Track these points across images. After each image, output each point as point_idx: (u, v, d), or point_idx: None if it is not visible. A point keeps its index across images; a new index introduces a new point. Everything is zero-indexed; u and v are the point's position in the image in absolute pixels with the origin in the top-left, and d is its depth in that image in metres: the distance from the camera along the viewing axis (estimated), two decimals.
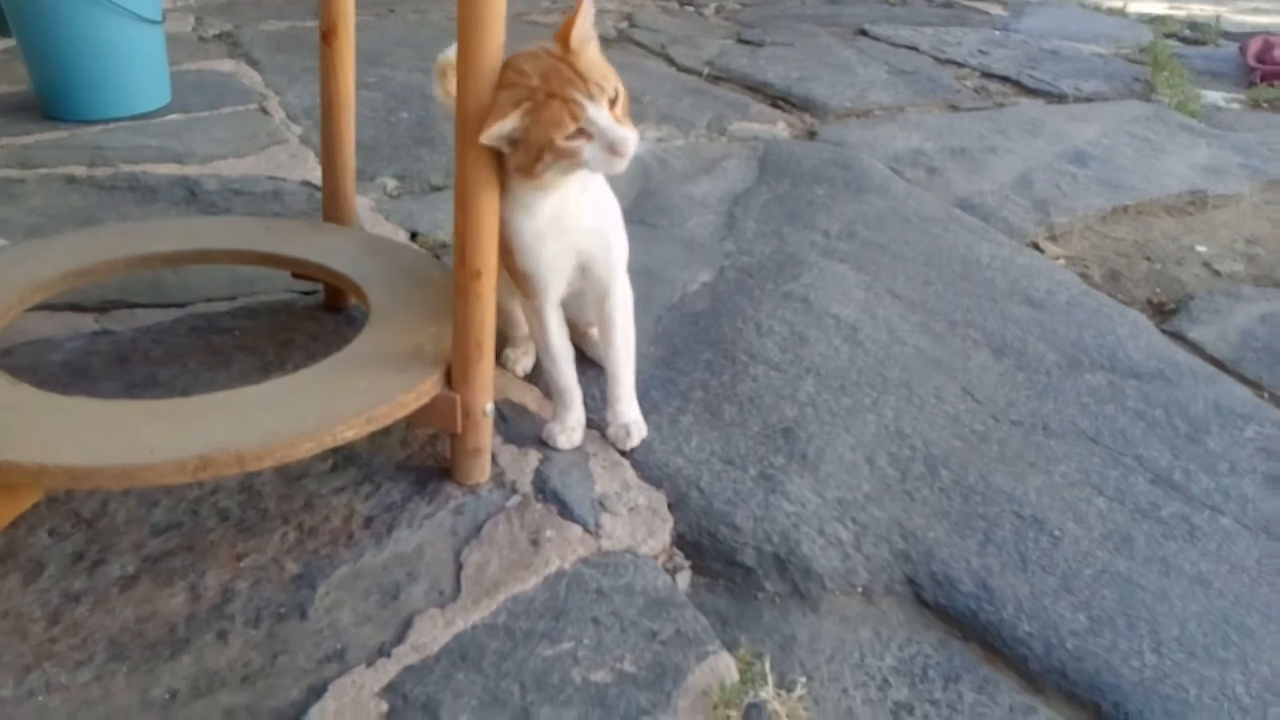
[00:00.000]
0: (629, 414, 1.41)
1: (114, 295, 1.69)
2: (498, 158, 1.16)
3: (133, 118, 2.54)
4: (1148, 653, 1.09)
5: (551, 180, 1.18)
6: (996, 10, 4.23)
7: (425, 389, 1.21)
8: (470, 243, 1.17)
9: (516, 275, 1.30)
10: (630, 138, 1.13)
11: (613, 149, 1.13)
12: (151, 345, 1.58)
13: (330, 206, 1.65)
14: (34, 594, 1.11)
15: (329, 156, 1.62)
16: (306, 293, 1.74)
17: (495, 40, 1.09)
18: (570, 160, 1.14)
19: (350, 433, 1.13)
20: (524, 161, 1.15)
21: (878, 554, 1.22)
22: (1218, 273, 2.02)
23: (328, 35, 1.54)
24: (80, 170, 2.23)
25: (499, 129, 1.11)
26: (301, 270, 1.57)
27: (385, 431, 1.29)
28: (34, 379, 1.22)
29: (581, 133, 1.13)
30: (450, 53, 1.42)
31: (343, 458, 1.33)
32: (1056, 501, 1.31)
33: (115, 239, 1.55)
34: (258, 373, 1.51)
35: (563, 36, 1.15)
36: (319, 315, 1.69)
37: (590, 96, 1.12)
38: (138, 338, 1.60)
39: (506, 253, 1.24)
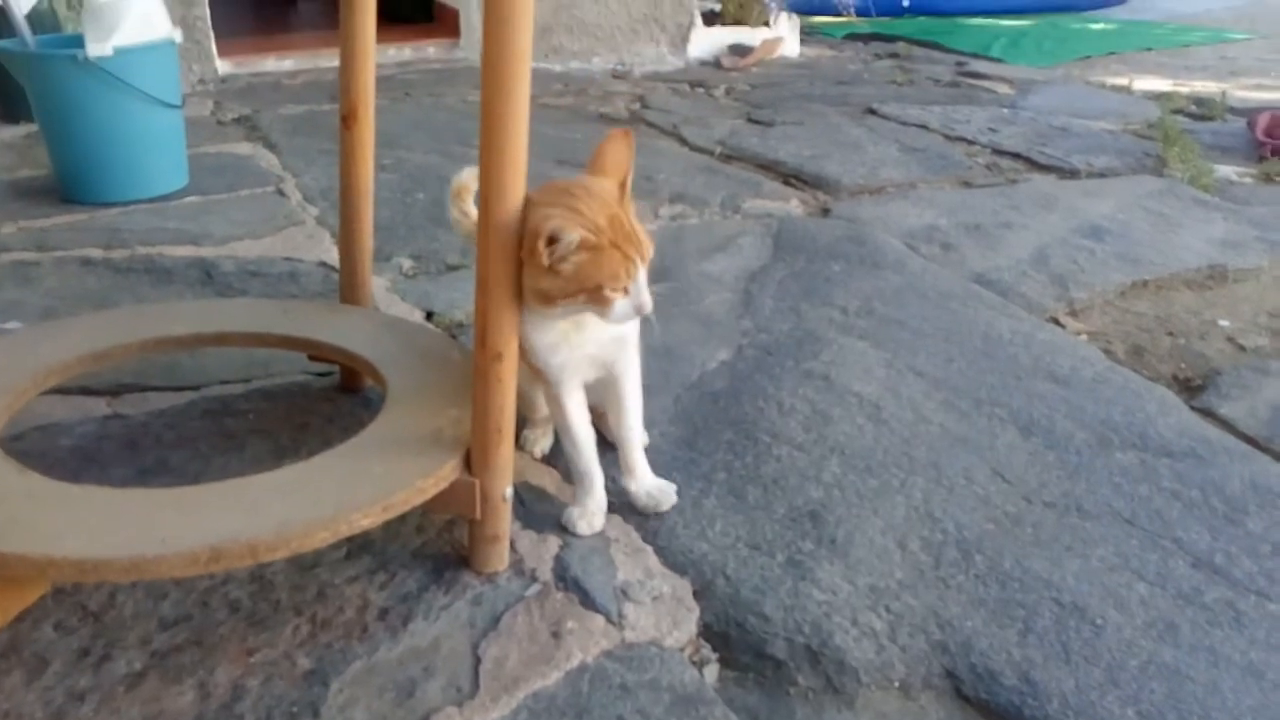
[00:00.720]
0: (652, 477, 1.40)
1: (127, 378, 1.68)
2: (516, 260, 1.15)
3: (151, 200, 2.56)
4: None
5: (564, 312, 1.19)
6: (1004, 89, 4.28)
7: (444, 474, 1.18)
8: (491, 325, 1.15)
9: (533, 369, 1.28)
10: (651, 301, 1.18)
11: (639, 309, 1.17)
12: (164, 429, 1.56)
13: (347, 288, 1.64)
14: (37, 692, 1.07)
15: (346, 238, 1.62)
16: (322, 374, 1.72)
17: (522, 125, 1.09)
18: (598, 307, 1.16)
19: (367, 521, 1.10)
20: (552, 291, 1.15)
21: (914, 645, 1.17)
22: (1243, 347, 1.99)
23: (348, 119, 1.54)
24: (97, 252, 2.24)
25: (568, 240, 1.10)
26: (318, 352, 1.55)
27: (401, 517, 1.25)
28: (43, 465, 1.20)
29: (625, 289, 1.15)
30: (465, 175, 1.44)
31: (357, 545, 1.29)
32: (1096, 587, 1.26)
33: (130, 322, 1.54)
34: (272, 457, 1.48)
35: (622, 185, 1.19)
36: (335, 397, 1.66)
37: (642, 258, 1.16)
38: (150, 421, 1.58)
39: (522, 350, 1.23)
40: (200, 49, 3.79)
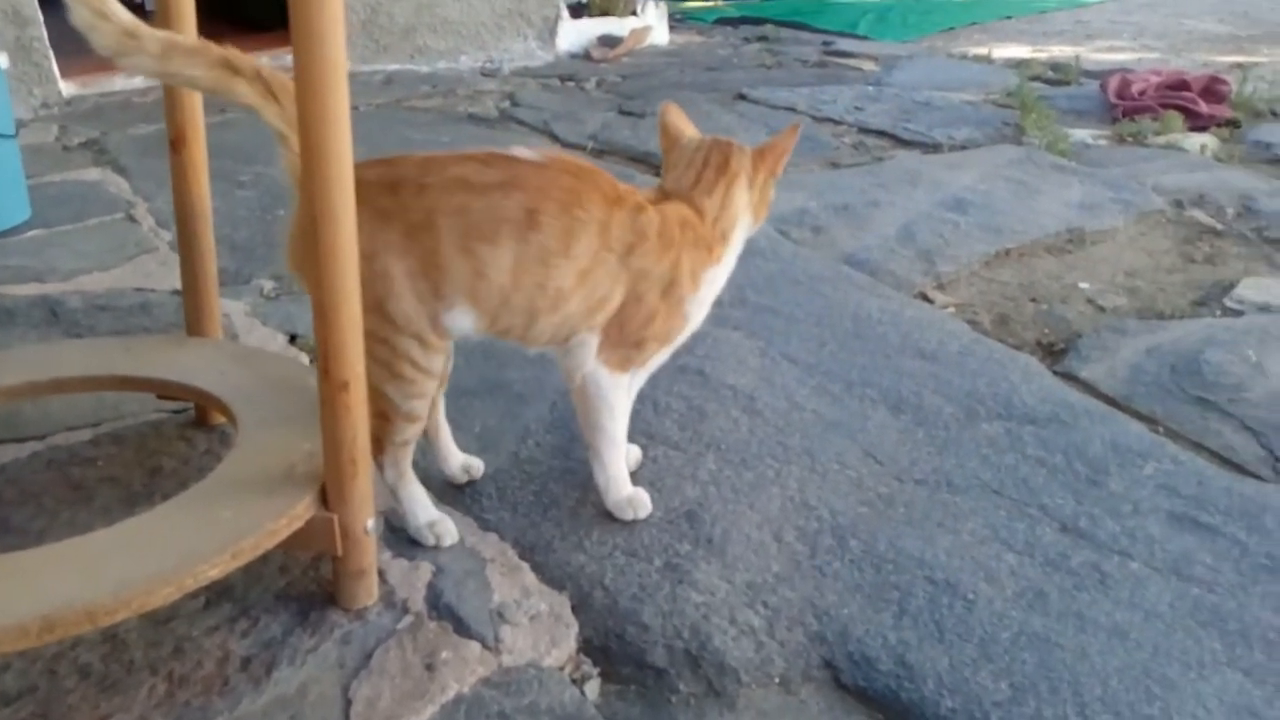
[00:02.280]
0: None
1: None
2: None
3: None
4: (1073, 717, 1.06)
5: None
6: (869, 66, 4.35)
7: (298, 512, 1.13)
8: (334, 352, 1.10)
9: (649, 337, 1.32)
10: None
11: None
12: (4, 485, 1.46)
13: (193, 319, 1.57)
14: None
15: (189, 267, 1.54)
16: (176, 412, 1.64)
17: (345, 145, 1.04)
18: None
19: (214, 571, 1.04)
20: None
21: (792, 639, 1.16)
22: (1102, 309, 2.06)
23: (176, 143, 1.47)
24: None
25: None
26: (164, 391, 1.47)
27: (263, 558, 1.19)
28: None
29: None
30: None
31: (216, 593, 1.23)
32: (967, 562, 1.28)
33: None
34: (123, 506, 1.40)
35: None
36: (190, 435, 1.59)
37: None
38: None
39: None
40: (40, 71, 3.59)
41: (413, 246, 1.16)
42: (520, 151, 1.22)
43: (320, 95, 1.01)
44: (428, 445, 1.41)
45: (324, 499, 1.16)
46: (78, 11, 1.04)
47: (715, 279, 1.35)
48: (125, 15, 1.06)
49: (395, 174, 1.18)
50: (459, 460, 1.45)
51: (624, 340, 1.28)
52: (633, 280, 1.25)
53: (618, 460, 1.36)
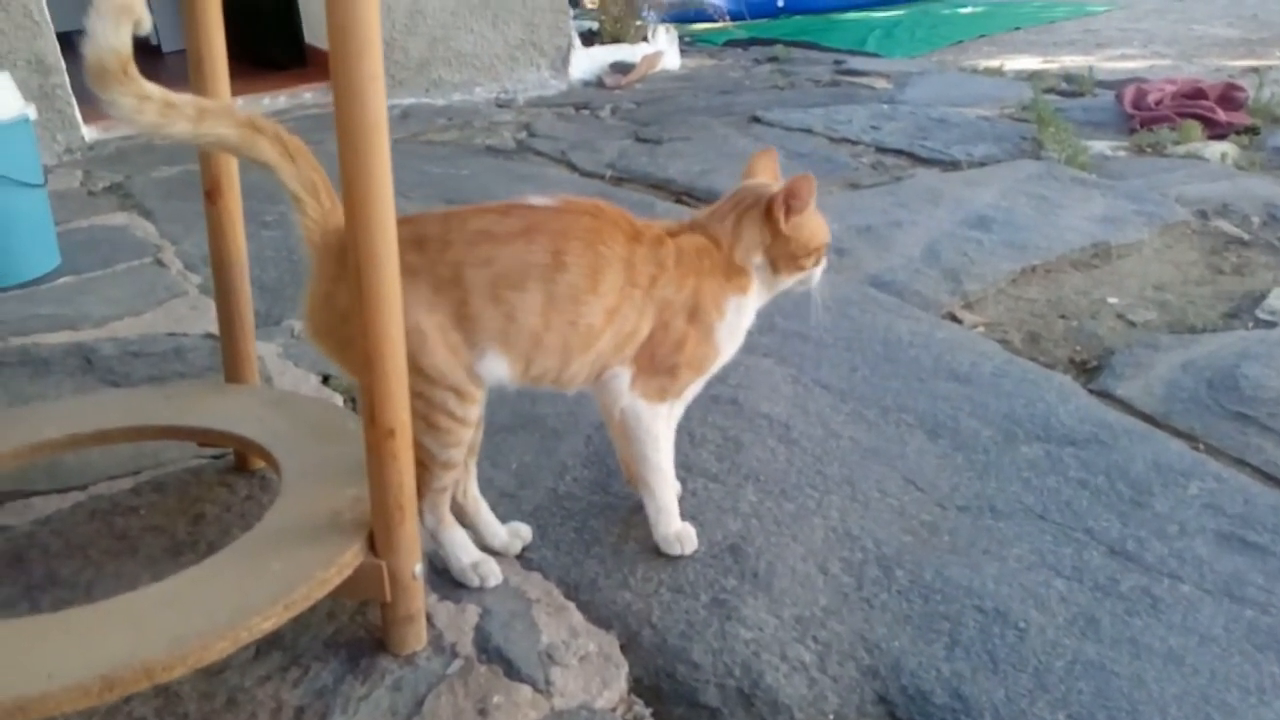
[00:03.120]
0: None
1: (6, 485, 1.58)
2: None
3: (21, 286, 2.44)
4: None
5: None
6: (881, 84, 4.36)
7: (346, 561, 1.14)
8: (380, 400, 1.11)
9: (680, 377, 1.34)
10: None
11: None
12: (50, 538, 1.47)
13: (231, 366, 1.58)
14: None
15: (225, 315, 1.56)
16: (216, 457, 1.65)
17: (387, 193, 1.05)
18: (814, 268, 1.40)
19: (268, 624, 1.05)
20: (796, 252, 1.34)
21: (844, 673, 1.16)
22: (1132, 323, 2.05)
23: (211, 194, 1.48)
24: None
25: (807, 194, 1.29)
26: (205, 439, 1.48)
27: (311, 606, 1.20)
28: None
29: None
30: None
31: (266, 642, 1.23)
32: (1016, 589, 1.28)
33: (1, 428, 1.45)
34: (168, 556, 1.41)
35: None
36: (231, 480, 1.59)
37: None
38: (35, 531, 1.49)
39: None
40: (63, 118, 3.63)
41: (442, 301, 1.18)
42: (535, 199, 1.25)
43: (361, 145, 1.02)
44: (469, 526, 1.38)
45: (372, 545, 1.17)
46: (121, 103, 1.05)
47: (743, 308, 1.35)
48: (160, 90, 1.08)
49: (419, 232, 1.20)
50: (504, 531, 1.41)
51: (657, 369, 1.30)
52: (658, 310, 1.27)
53: (666, 491, 1.37)
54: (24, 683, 0.96)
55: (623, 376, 1.30)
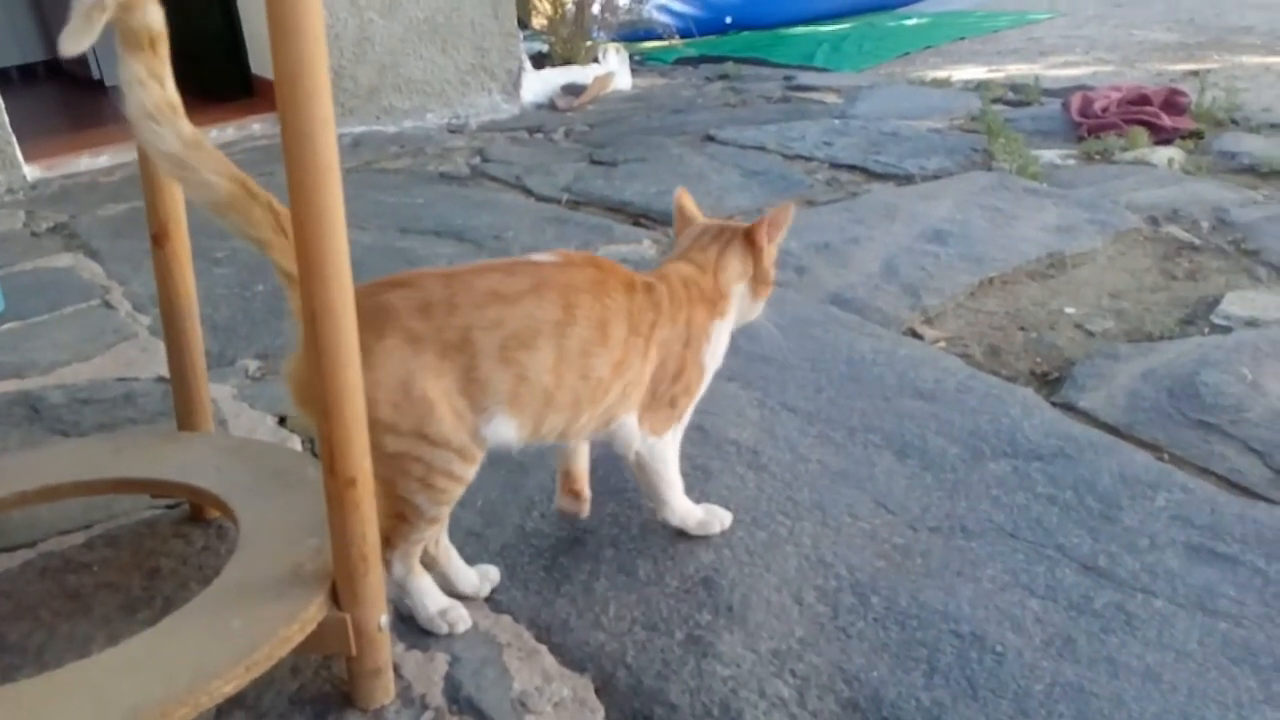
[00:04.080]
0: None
1: None
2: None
3: None
4: None
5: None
6: (832, 99, 4.38)
7: (310, 616, 1.10)
8: (340, 449, 1.08)
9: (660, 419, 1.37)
10: None
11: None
12: None
13: (184, 413, 1.53)
14: None
15: (176, 362, 1.51)
16: (170, 507, 1.60)
17: (340, 240, 1.02)
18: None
19: (229, 687, 1.01)
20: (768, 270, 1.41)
21: (824, 708, 1.14)
22: (1091, 333, 2.06)
23: (159, 237, 1.44)
24: None
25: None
26: (159, 491, 1.44)
27: None
28: None
29: None
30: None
31: (228, 702, 1.19)
32: (991, 611, 1.27)
33: None
34: (122, 614, 1.36)
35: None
36: (186, 531, 1.55)
37: None
38: None
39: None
40: (4, 156, 3.55)
41: (448, 366, 1.15)
42: (538, 256, 1.26)
43: (313, 189, 0.99)
44: (438, 572, 1.35)
45: (335, 598, 1.13)
46: (131, 68, 1.04)
47: (722, 332, 1.40)
48: (167, 91, 1.05)
49: (422, 296, 1.16)
50: (474, 575, 1.38)
51: (659, 404, 1.34)
52: (659, 351, 1.31)
53: (682, 498, 1.43)
54: None
55: (630, 422, 1.33)
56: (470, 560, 1.39)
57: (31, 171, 3.69)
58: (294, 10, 0.95)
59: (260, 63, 4.53)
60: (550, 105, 4.60)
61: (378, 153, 3.89)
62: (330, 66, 4.23)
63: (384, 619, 1.15)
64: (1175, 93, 3.55)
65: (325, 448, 1.08)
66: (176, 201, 1.45)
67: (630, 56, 5.22)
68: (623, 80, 4.93)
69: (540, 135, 4.10)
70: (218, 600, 1.13)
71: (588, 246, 2.69)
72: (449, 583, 1.35)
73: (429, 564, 1.34)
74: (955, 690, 1.15)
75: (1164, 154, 3.17)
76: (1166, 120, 3.38)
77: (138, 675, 1.02)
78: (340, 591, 1.13)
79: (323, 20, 0.98)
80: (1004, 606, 1.28)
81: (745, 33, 6.67)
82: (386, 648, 1.17)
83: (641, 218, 2.93)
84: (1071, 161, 3.23)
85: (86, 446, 1.59)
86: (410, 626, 1.30)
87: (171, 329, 1.49)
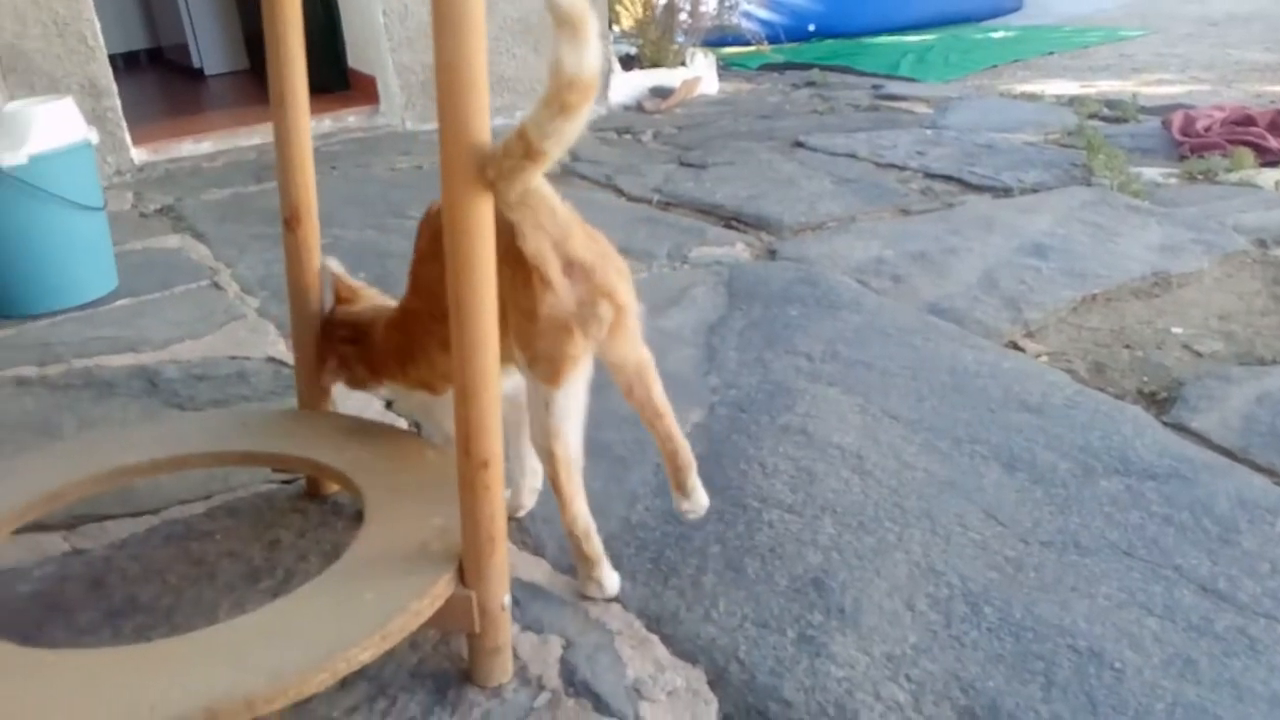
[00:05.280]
0: None
1: (82, 508, 1.58)
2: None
3: (81, 307, 2.46)
4: None
5: None
6: (922, 109, 4.35)
7: (438, 592, 1.13)
8: (475, 432, 1.11)
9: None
10: None
11: None
12: (128, 562, 1.48)
13: (306, 394, 1.58)
14: None
15: (300, 343, 1.56)
16: (286, 482, 1.65)
17: (487, 228, 1.05)
18: None
19: (365, 656, 1.05)
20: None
21: (940, 714, 1.14)
22: (1199, 354, 2.02)
23: (290, 222, 1.49)
24: (30, 370, 2.14)
25: None
26: (283, 465, 1.49)
27: None
28: (2, 617, 1.12)
29: None
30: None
31: (352, 672, 1.23)
32: (1108, 628, 1.25)
33: (81, 455, 1.46)
34: (245, 582, 1.41)
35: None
36: (303, 506, 1.59)
37: None
38: (112, 555, 1.50)
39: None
40: (114, 140, 3.68)
41: None
42: None
43: (464, 183, 1.02)
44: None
45: (461, 576, 1.16)
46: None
47: None
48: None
49: None
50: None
51: None
52: None
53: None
54: (126, 715, 0.96)
55: None
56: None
57: (139, 155, 3.82)
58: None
59: (357, 57, 4.63)
60: (638, 107, 4.63)
61: None
62: (425, 64, 4.32)
63: (506, 599, 1.18)
64: None
65: (461, 430, 1.11)
66: (309, 188, 1.50)
67: (715, 61, 5.23)
68: (710, 85, 4.94)
69: (629, 136, 4.13)
70: (349, 573, 1.16)
71: (680, 248, 2.71)
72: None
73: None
74: (1074, 704, 1.14)
75: (1270, 176, 3.09)
76: (1273, 142, 3.30)
77: (277, 641, 1.06)
78: (467, 570, 1.16)
79: (484, 11, 1.01)
80: (1121, 624, 1.26)
81: (828, 41, 6.64)
82: (507, 627, 1.20)
83: (733, 220, 2.94)
84: (1173, 180, 3.16)
85: (212, 419, 1.65)
86: (526, 611, 1.33)
87: (298, 311, 1.54)
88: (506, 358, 1.21)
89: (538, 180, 1.12)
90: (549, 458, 1.29)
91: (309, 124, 1.48)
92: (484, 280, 1.06)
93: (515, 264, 1.17)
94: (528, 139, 1.03)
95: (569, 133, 1.04)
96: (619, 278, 1.24)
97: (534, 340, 1.21)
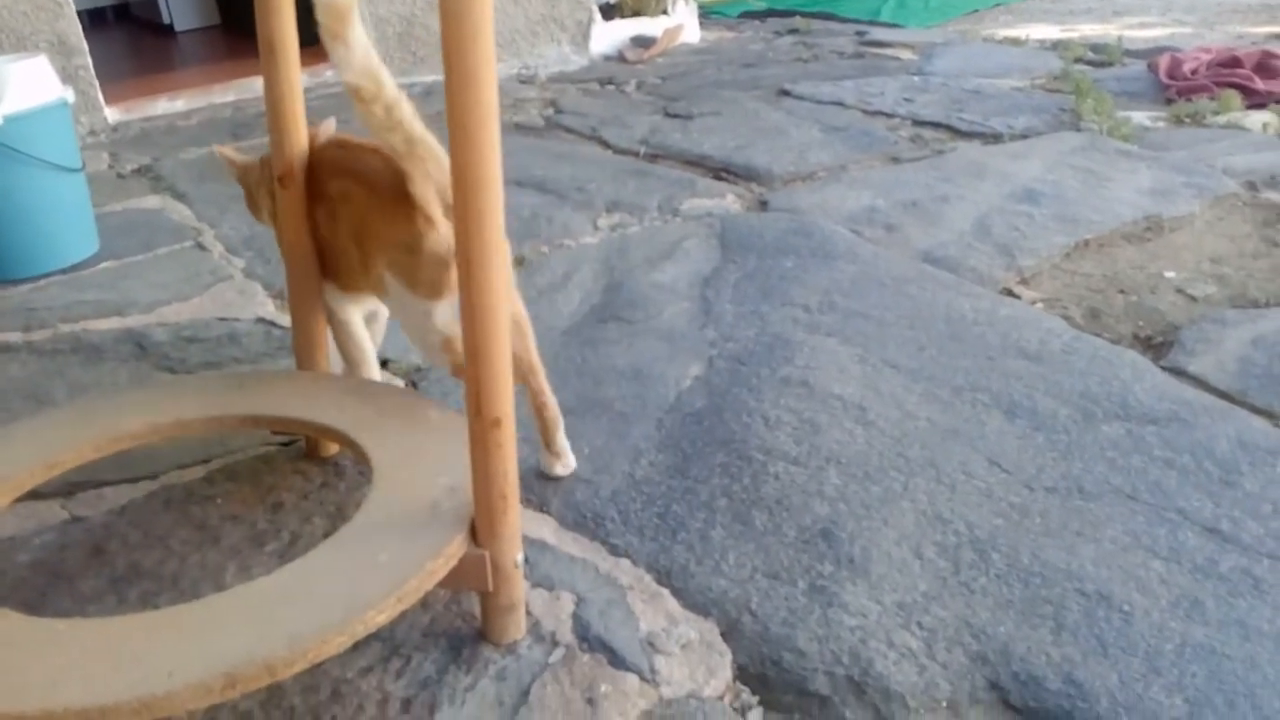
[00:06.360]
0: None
1: (78, 475, 1.56)
2: None
3: (63, 271, 2.41)
4: None
5: None
6: (907, 55, 4.31)
7: (451, 551, 1.13)
8: (485, 390, 1.09)
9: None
10: None
11: None
12: (128, 528, 1.46)
13: (304, 353, 1.56)
14: None
15: (297, 303, 1.54)
16: (285, 444, 1.64)
17: (496, 188, 1.03)
18: None
19: (382, 618, 1.04)
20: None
21: (954, 660, 1.15)
22: (1193, 298, 2.03)
23: (284, 178, 1.46)
24: (15, 336, 2.10)
25: None
26: (285, 428, 1.47)
27: None
28: (3, 587, 1.10)
29: None
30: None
31: None
32: (1115, 571, 1.27)
33: (75, 421, 1.43)
34: (251, 546, 1.40)
35: None
36: (303, 468, 1.58)
37: None
38: (111, 521, 1.48)
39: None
40: (87, 99, 3.59)
41: None
42: None
43: (474, 136, 1.00)
44: None
45: (473, 535, 1.16)
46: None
47: None
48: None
49: None
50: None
51: None
52: None
53: None
54: (145, 681, 0.95)
55: None
56: (582, 506, 1.42)
57: (112, 114, 3.74)
58: None
59: None
60: (619, 57, 4.57)
61: None
62: (403, 15, 4.24)
63: (519, 556, 1.17)
64: (1269, 55, 3.45)
65: (472, 389, 1.10)
66: (301, 144, 1.46)
67: (696, 9, 5.16)
68: (691, 33, 4.87)
69: (612, 87, 4.08)
70: (360, 534, 1.15)
71: (671, 201, 2.69)
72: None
73: None
74: (1085, 647, 1.15)
75: (1258, 118, 3.09)
76: (1260, 84, 3.29)
77: (294, 604, 1.05)
78: (479, 528, 1.15)
79: None
80: (1128, 567, 1.27)
81: None
82: (520, 585, 1.20)
83: (722, 171, 2.91)
84: (1161, 124, 3.15)
85: (208, 382, 1.62)
86: (535, 567, 1.33)
87: (294, 269, 1.51)
88: (368, 286, 1.43)
89: (428, 135, 1.31)
90: (445, 345, 1.36)
91: (300, 76, 1.44)
92: (494, 234, 1.04)
93: (401, 204, 1.31)
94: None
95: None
96: None
97: (416, 271, 1.32)
